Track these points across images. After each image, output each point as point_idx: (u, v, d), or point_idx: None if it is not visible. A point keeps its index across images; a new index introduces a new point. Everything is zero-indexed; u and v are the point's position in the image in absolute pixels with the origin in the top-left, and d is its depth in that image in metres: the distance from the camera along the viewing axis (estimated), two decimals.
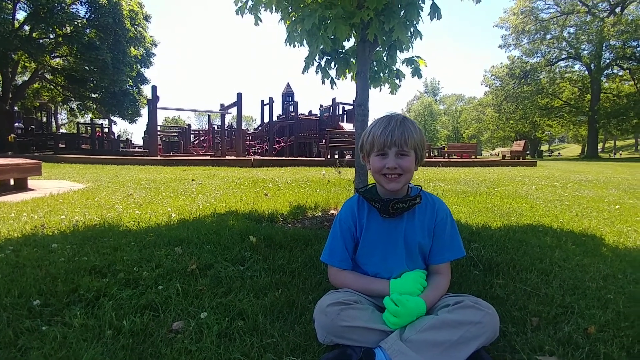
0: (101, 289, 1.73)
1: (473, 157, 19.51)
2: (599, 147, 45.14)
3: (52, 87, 29.72)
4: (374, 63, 3.56)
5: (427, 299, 1.36)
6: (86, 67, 24.62)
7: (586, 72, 39.78)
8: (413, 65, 3.41)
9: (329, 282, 1.86)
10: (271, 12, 3.29)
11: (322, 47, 2.95)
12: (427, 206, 1.55)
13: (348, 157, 14.64)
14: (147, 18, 29.14)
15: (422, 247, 1.52)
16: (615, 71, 38.73)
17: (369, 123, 1.69)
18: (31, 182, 5.75)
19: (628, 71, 36.91)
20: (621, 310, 1.62)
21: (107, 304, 1.59)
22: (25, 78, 28.39)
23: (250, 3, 3.22)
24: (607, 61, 37.79)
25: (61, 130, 42.90)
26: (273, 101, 23.30)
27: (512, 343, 1.37)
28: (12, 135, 19.66)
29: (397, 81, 3.68)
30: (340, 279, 1.55)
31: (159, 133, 22.26)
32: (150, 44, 29.72)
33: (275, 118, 24.19)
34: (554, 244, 2.67)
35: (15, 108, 26.18)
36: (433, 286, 1.46)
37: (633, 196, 5.45)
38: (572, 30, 39.35)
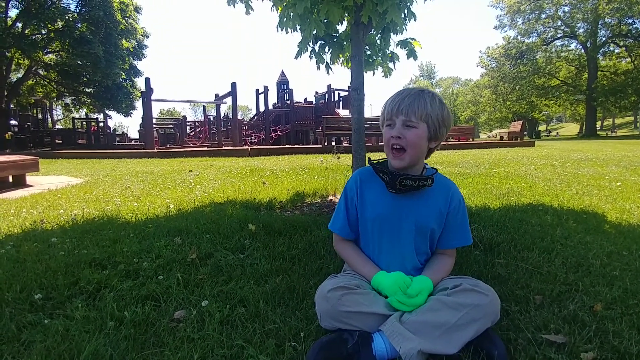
0: (102, 281, 1.73)
1: (470, 139, 19.46)
2: (597, 126, 45.07)
3: (46, 83, 29.56)
4: (367, 47, 3.51)
5: (434, 280, 1.34)
6: (79, 62, 24.43)
7: (582, 51, 39.62)
8: (408, 47, 3.37)
9: (329, 267, 1.87)
10: (262, 0, 3.23)
11: (314, 31, 2.90)
12: (441, 190, 1.46)
13: (345, 143, 14.59)
14: (137, 9, 28.85)
15: (433, 233, 1.45)
16: (611, 49, 38.55)
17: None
18: (29, 179, 5.72)
19: (625, 48, 36.74)
20: (628, 287, 1.60)
21: (108, 295, 1.58)
22: (20, 75, 28.17)
23: None
24: (603, 39, 37.65)
25: (57, 126, 42.76)
26: (268, 90, 23.16)
27: (516, 322, 1.36)
28: (9, 133, 19.57)
29: (390, 65, 3.64)
30: (341, 248, 1.54)
31: (154, 125, 22.14)
32: (142, 35, 29.44)
33: (270, 107, 24.07)
34: (554, 222, 2.67)
35: (11, 106, 26.01)
36: (438, 267, 1.43)
37: (635, 173, 5.44)
38: (566, 8, 39.04)
